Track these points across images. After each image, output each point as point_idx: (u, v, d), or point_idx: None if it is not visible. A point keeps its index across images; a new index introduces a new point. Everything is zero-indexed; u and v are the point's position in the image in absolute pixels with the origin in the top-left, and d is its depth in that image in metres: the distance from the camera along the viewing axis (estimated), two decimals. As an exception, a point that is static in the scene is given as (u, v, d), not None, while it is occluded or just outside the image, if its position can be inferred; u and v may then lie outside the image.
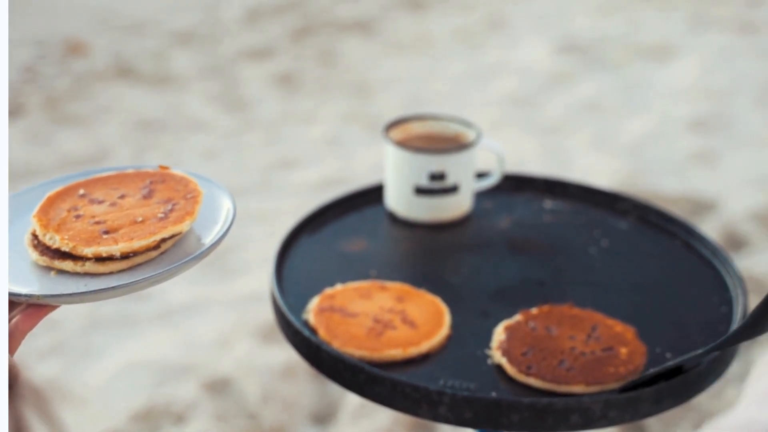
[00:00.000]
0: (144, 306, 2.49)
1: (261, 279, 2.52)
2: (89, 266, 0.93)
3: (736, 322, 1.16)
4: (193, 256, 0.93)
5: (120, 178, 1.03)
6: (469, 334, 1.14)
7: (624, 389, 1.04)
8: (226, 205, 1.00)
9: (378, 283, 1.20)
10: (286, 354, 2.21)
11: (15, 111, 3.62)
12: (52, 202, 0.99)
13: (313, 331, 1.12)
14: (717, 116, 3.50)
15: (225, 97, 3.73)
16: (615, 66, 3.95)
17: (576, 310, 1.16)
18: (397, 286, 1.20)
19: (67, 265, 0.93)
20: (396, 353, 1.09)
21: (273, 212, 2.91)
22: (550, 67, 3.93)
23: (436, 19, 4.50)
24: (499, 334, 1.12)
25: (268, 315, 2.16)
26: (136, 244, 0.93)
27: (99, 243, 0.93)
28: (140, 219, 0.96)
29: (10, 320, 0.90)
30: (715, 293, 1.23)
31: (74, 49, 4.18)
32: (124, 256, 0.92)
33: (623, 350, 1.10)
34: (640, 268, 1.29)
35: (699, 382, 1.08)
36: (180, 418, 2.12)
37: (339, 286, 1.19)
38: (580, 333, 1.12)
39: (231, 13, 4.57)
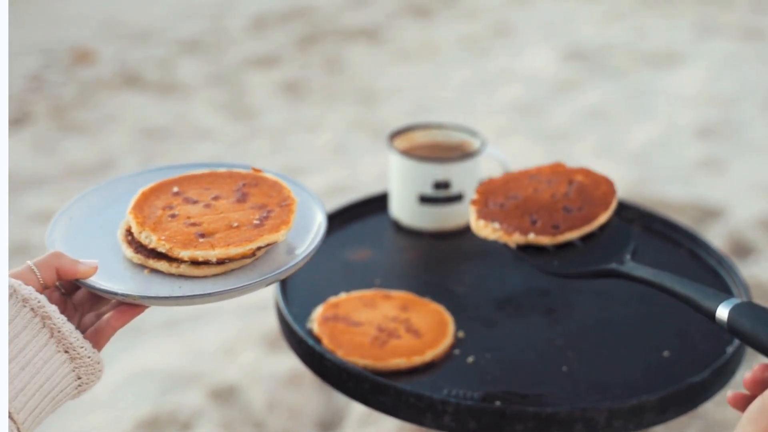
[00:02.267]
0: (150, 314, 2.48)
1: (267, 287, 2.51)
2: (184, 269, 0.93)
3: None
4: (286, 267, 0.93)
5: (212, 178, 1.03)
6: (473, 343, 1.14)
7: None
8: (318, 218, 1.00)
9: (382, 291, 1.20)
10: (292, 362, 2.21)
11: (21, 119, 3.63)
12: (146, 198, 0.99)
13: (317, 340, 1.13)
14: (723, 123, 3.50)
15: (231, 105, 3.74)
16: (621, 73, 3.94)
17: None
18: (401, 295, 1.20)
19: (162, 265, 0.93)
20: (400, 362, 1.09)
21: (279, 220, 2.91)
22: (555, 74, 3.93)
23: (441, 26, 4.50)
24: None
25: (273, 323, 2.16)
26: (233, 251, 0.93)
27: (195, 246, 0.93)
28: (236, 224, 0.95)
29: (101, 315, 0.91)
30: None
31: (81, 57, 4.19)
32: (220, 262, 0.93)
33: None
34: (645, 277, 1.29)
35: (704, 391, 1.08)
36: (186, 426, 2.12)
37: (343, 295, 1.20)
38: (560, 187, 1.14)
39: (237, 21, 4.58)
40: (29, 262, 0.87)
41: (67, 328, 0.84)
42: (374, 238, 1.36)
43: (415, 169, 1.34)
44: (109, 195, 1.03)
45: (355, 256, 1.32)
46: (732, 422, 2.09)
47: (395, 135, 1.40)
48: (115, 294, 0.89)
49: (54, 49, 4.28)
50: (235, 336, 2.40)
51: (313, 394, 2.17)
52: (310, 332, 1.14)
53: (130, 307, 0.90)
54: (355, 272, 1.28)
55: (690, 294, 0.99)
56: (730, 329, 0.91)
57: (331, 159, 3.32)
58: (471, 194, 1.38)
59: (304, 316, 1.17)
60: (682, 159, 3.26)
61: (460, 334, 1.15)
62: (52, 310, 0.84)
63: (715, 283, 1.27)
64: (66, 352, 0.85)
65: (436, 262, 1.33)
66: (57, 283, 0.90)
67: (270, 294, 1.24)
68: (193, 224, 0.96)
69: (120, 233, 0.98)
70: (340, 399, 2.14)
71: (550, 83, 3.85)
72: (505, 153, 1.45)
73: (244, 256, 0.94)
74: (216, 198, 0.99)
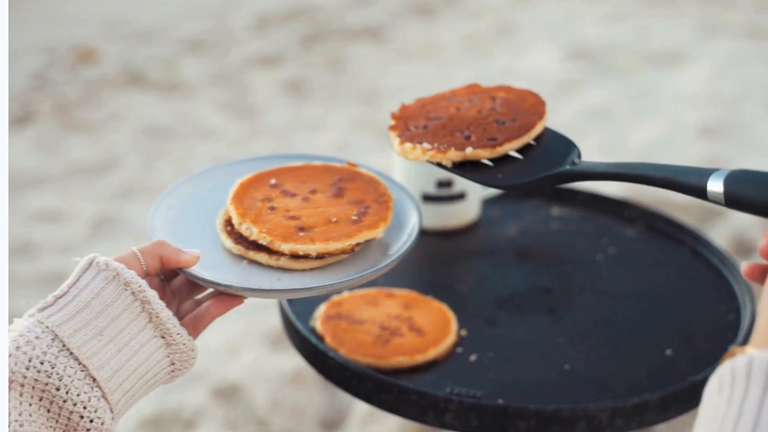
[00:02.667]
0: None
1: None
2: (284, 262, 0.94)
3: (744, 329, 1.16)
4: (383, 264, 0.94)
5: (309, 171, 1.04)
6: (476, 341, 1.15)
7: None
8: (413, 217, 1.01)
9: (385, 290, 1.21)
10: (295, 360, 2.21)
11: (25, 118, 3.63)
12: (245, 189, 1.00)
13: (320, 338, 1.13)
14: (726, 122, 3.49)
15: (234, 104, 3.74)
16: (624, 72, 3.94)
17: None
18: (404, 294, 1.20)
19: (262, 257, 0.94)
20: (403, 360, 1.09)
21: (282, 219, 2.91)
22: (559, 73, 3.93)
23: (445, 26, 4.50)
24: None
25: (276, 322, 2.17)
26: (333, 246, 0.94)
27: (296, 240, 0.94)
28: (334, 219, 0.97)
29: (202, 302, 0.93)
30: (722, 301, 1.23)
31: (84, 56, 4.20)
32: (319, 256, 0.94)
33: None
34: (648, 276, 1.29)
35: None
36: (189, 425, 2.12)
37: (346, 294, 1.20)
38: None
39: (240, 20, 4.58)
40: (134, 249, 0.89)
41: (165, 314, 0.86)
42: (377, 237, 1.36)
43: (417, 167, 1.34)
44: (207, 183, 1.04)
45: (357, 255, 1.32)
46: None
47: (398, 134, 1.40)
48: (218, 284, 0.91)
49: (58, 48, 4.28)
50: (239, 335, 2.40)
51: (316, 393, 2.17)
52: (313, 330, 1.15)
53: (230, 297, 0.92)
54: (358, 271, 1.28)
55: (670, 175, 0.87)
56: (730, 200, 0.81)
57: (335, 158, 3.32)
58: (474, 193, 1.38)
59: (307, 314, 1.17)
60: (686, 158, 3.25)
61: (463, 332, 1.16)
62: (152, 295, 0.86)
63: (717, 282, 1.27)
64: (162, 337, 0.87)
65: (439, 260, 1.33)
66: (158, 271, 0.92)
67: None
68: (293, 217, 0.97)
69: (219, 223, 0.99)
70: (344, 397, 2.14)
71: (553, 83, 3.85)
72: (508, 152, 1.45)
73: (342, 252, 0.95)
74: (313, 191, 1.01)
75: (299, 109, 3.71)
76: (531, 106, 1.02)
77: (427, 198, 1.35)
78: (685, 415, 1.09)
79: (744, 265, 0.79)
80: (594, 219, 1.42)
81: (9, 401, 0.78)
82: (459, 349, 1.13)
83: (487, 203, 1.43)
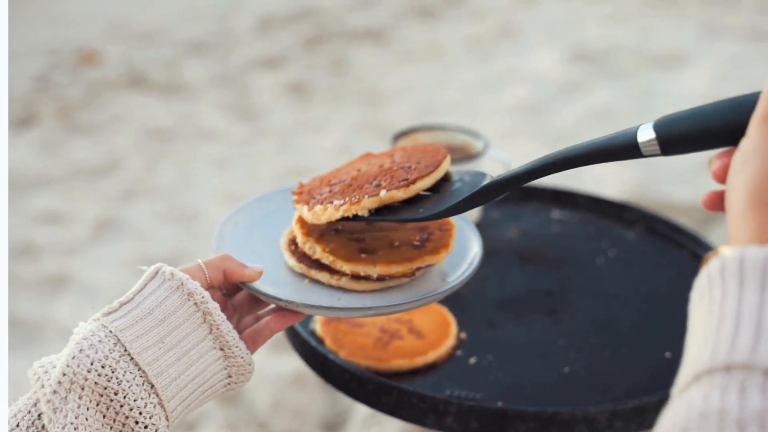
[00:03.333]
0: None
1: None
2: (345, 282, 0.95)
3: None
4: (442, 290, 0.95)
5: None
6: (476, 344, 1.15)
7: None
8: (474, 247, 1.02)
9: (385, 293, 1.21)
10: (296, 363, 2.22)
11: (28, 120, 3.64)
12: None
13: (320, 341, 1.13)
14: (728, 124, 3.49)
15: (237, 106, 3.74)
16: (626, 74, 3.94)
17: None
18: (404, 296, 1.20)
19: (323, 276, 0.96)
20: (402, 363, 1.09)
21: (284, 221, 2.92)
22: (561, 75, 3.93)
23: (447, 27, 4.50)
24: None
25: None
26: (394, 269, 0.95)
27: (358, 261, 0.95)
28: (397, 243, 0.98)
29: (262, 317, 0.95)
30: (722, 303, 1.23)
31: (87, 58, 4.20)
32: (380, 278, 0.95)
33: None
34: (648, 278, 1.29)
35: (706, 392, 1.08)
36: (191, 426, 2.12)
37: (346, 296, 1.20)
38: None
39: (243, 22, 4.58)
40: (200, 261, 0.90)
41: (226, 326, 0.88)
42: (377, 239, 1.37)
43: (418, 170, 1.34)
44: (273, 204, 1.06)
45: (358, 257, 1.32)
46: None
47: (399, 136, 1.40)
48: (279, 300, 0.92)
49: (60, 50, 4.29)
50: (240, 336, 2.40)
51: (318, 395, 2.17)
52: (313, 333, 1.15)
53: (290, 313, 0.94)
54: (359, 273, 1.28)
55: (598, 146, 0.84)
56: (665, 144, 0.77)
57: (337, 160, 3.33)
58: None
59: (307, 317, 1.18)
60: (688, 160, 3.26)
61: (463, 335, 1.16)
62: (214, 307, 0.87)
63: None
64: (221, 349, 0.88)
65: (439, 263, 1.33)
66: (220, 285, 0.94)
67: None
68: (356, 239, 0.98)
69: (283, 242, 1.01)
70: (345, 400, 2.15)
71: (555, 84, 3.85)
72: (511, 154, 1.45)
73: (403, 275, 0.96)
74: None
75: (301, 111, 3.71)
76: (432, 150, 1.01)
77: (428, 201, 1.35)
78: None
79: (702, 197, 0.75)
80: (594, 221, 1.42)
81: (67, 403, 0.80)
82: (459, 352, 1.13)
83: (488, 206, 1.43)
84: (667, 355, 1.13)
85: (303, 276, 0.97)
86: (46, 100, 3.81)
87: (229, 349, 0.88)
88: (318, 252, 0.96)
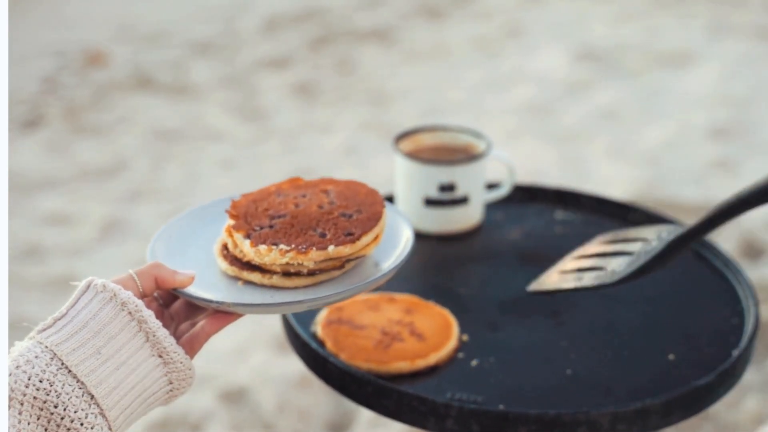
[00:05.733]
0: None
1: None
2: (276, 280, 0.97)
3: (748, 333, 1.15)
4: (372, 279, 0.97)
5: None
6: (477, 346, 1.14)
7: None
8: (405, 234, 1.04)
9: (387, 295, 1.20)
10: (302, 364, 2.21)
11: (35, 121, 3.65)
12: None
13: (321, 343, 1.13)
14: (736, 124, 3.48)
15: (243, 107, 3.74)
16: (633, 74, 3.93)
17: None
18: (405, 298, 1.20)
19: (255, 277, 0.98)
20: (403, 366, 1.09)
21: (290, 222, 2.92)
22: (567, 75, 3.92)
23: (453, 27, 4.50)
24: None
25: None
26: (323, 262, 0.97)
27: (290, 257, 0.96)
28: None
29: (196, 323, 0.96)
30: (726, 305, 1.22)
31: (94, 59, 4.21)
32: (310, 273, 0.97)
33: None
34: (652, 279, 1.28)
35: (709, 394, 1.07)
36: (196, 428, 2.12)
37: (347, 299, 1.20)
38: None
39: (249, 22, 4.59)
40: (130, 271, 0.91)
41: (162, 333, 0.88)
42: (380, 241, 1.36)
43: (420, 171, 1.34)
44: (205, 217, 1.08)
45: (360, 259, 1.32)
46: (743, 423, 2.08)
47: (401, 137, 1.40)
48: (210, 302, 0.94)
49: (67, 51, 4.30)
50: (246, 338, 2.40)
51: (323, 396, 2.17)
52: (314, 335, 1.15)
53: (224, 314, 0.95)
54: (360, 275, 1.28)
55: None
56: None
57: (343, 160, 3.32)
58: (477, 197, 1.38)
59: (308, 319, 1.17)
60: (695, 160, 3.24)
61: (464, 337, 1.15)
62: (149, 314, 0.88)
63: (721, 286, 1.27)
64: (160, 356, 0.89)
65: (441, 264, 1.33)
66: (155, 294, 0.95)
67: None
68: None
69: (216, 248, 1.03)
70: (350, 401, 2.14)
71: (562, 84, 3.84)
72: (517, 154, 1.45)
73: (333, 268, 0.98)
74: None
75: (308, 112, 3.71)
76: (366, 195, 1.05)
77: (430, 202, 1.35)
78: (687, 421, 1.09)
79: None
80: (598, 222, 1.42)
81: (9, 419, 0.80)
82: (460, 354, 1.13)
83: (491, 207, 1.43)
84: (670, 357, 1.13)
85: (236, 278, 0.99)
86: (53, 102, 3.82)
87: (167, 355, 0.88)
88: (246, 246, 0.97)
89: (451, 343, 1.12)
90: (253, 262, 0.97)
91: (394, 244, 1.03)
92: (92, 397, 0.83)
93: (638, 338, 1.16)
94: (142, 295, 0.91)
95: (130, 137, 3.52)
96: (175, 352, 0.89)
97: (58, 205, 3.05)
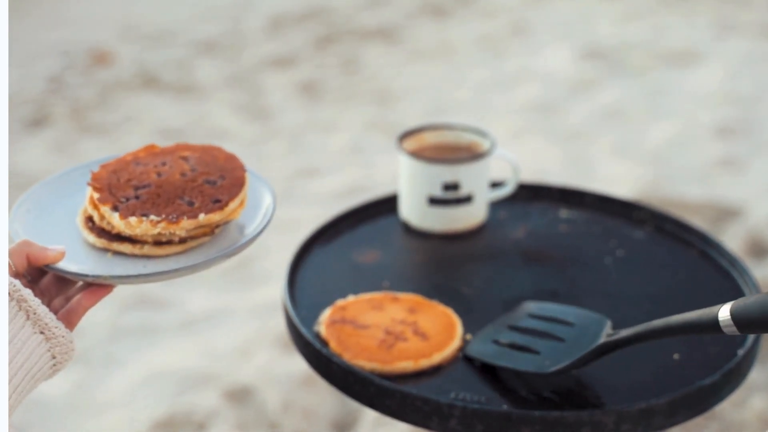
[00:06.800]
0: (166, 315, 2.50)
1: (282, 288, 2.52)
2: (148, 249, 0.98)
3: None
4: (241, 243, 0.98)
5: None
6: (481, 345, 1.14)
7: None
8: (267, 200, 1.05)
9: (390, 294, 1.20)
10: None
11: (41, 121, 3.65)
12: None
13: (325, 343, 1.12)
14: (742, 122, 3.47)
15: (248, 106, 3.74)
16: (638, 72, 3.92)
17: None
18: (409, 298, 1.19)
19: (126, 247, 0.98)
20: (407, 365, 1.08)
21: (295, 221, 2.91)
22: (573, 73, 3.92)
23: (458, 26, 4.49)
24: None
25: (287, 324, 2.17)
26: (194, 230, 0.98)
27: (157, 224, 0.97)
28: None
29: (71, 297, 0.96)
30: (731, 304, 1.22)
31: (99, 59, 4.21)
32: (181, 240, 0.98)
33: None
34: (657, 279, 1.28)
35: (714, 394, 1.07)
36: (201, 427, 2.12)
37: (351, 298, 1.19)
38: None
39: (254, 22, 4.59)
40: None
41: (42, 309, 0.90)
42: (383, 240, 1.36)
43: (424, 170, 1.33)
44: (62, 186, 1.08)
45: (363, 258, 1.32)
46: (749, 422, 2.08)
47: (405, 136, 1.40)
48: (86, 276, 0.94)
49: (73, 51, 4.30)
50: (250, 337, 2.40)
51: (328, 396, 2.17)
52: (317, 335, 1.14)
53: (100, 287, 0.96)
54: (364, 274, 1.28)
55: (687, 321, 0.98)
56: (740, 325, 0.91)
57: (348, 159, 3.32)
58: (481, 196, 1.37)
59: (312, 318, 1.17)
60: (700, 158, 3.24)
61: (468, 336, 1.15)
62: (27, 293, 0.89)
63: (726, 285, 1.26)
64: (42, 332, 0.90)
65: (445, 263, 1.33)
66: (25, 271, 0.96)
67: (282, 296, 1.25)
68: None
69: (80, 220, 1.02)
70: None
71: (567, 82, 3.84)
72: (522, 153, 1.44)
73: (204, 234, 0.99)
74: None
75: (313, 110, 3.71)
76: (226, 160, 1.06)
77: (434, 201, 1.35)
78: (692, 421, 1.09)
79: None
80: (602, 221, 1.41)
81: None
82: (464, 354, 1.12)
83: (495, 206, 1.42)
84: (675, 356, 1.12)
85: (105, 250, 0.99)
86: (59, 101, 3.82)
87: (49, 330, 0.90)
88: (116, 219, 0.97)
89: (455, 343, 1.12)
90: (123, 234, 0.97)
91: (257, 209, 1.04)
92: None
93: (643, 337, 1.15)
94: (17, 275, 0.92)
95: (136, 136, 3.52)
96: (56, 327, 0.90)
97: (64, 205, 3.05)
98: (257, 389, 2.21)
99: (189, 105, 3.77)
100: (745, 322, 0.90)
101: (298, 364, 2.25)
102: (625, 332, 1.02)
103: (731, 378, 1.08)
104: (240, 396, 2.20)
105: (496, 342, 1.11)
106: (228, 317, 2.49)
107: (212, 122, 3.63)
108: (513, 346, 1.09)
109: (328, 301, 1.19)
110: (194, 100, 3.81)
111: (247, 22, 4.59)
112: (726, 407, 2.09)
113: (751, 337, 1.13)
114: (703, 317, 0.95)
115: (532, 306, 1.16)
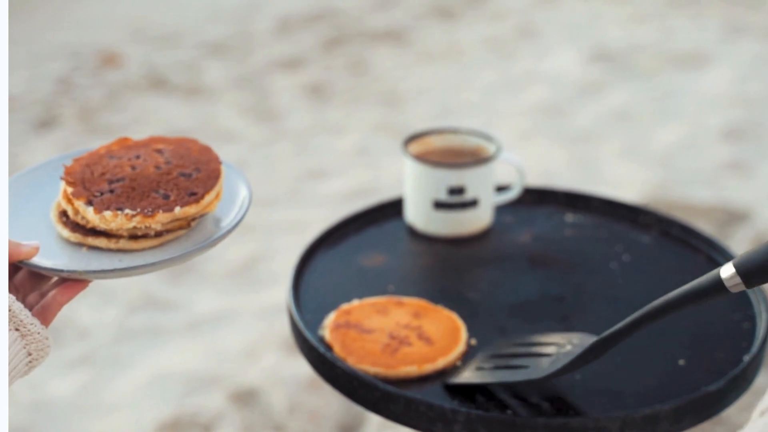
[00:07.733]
0: (172, 317, 2.50)
1: (286, 291, 2.52)
2: (123, 243, 0.96)
3: (759, 338, 1.14)
4: (217, 236, 0.98)
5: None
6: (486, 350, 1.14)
7: None
8: (242, 192, 1.04)
9: (395, 298, 1.20)
10: (312, 365, 2.21)
11: (49, 122, 3.66)
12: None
13: (329, 347, 1.12)
14: (750, 125, 3.46)
15: (256, 108, 3.75)
16: (646, 75, 3.91)
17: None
18: (414, 302, 1.19)
19: (101, 242, 0.97)
20: (411, 370, 1.08)
21: (301, 223, 2.92)
22: (581, 76, 3.91)
23: (466, 28, 4.49)
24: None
25: (293, 327, 2.17)
26: (169, 223, 0.97)
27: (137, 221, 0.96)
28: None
29: (46, 293, 0.95)
30: (737, 309, 1.21)
31: (108, 60, 4.22)
32: (157, 234, 0.97)
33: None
34: (662, 284, 1.27)
35: (720, 399, 1.06)
36: (207, 429, 2.12)
37: (356, 302, 1.19)
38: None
39: (262, 24, 4.59)
40: None
41: (17, 306, 0.89)
42: (389, 244, 1.36)
43: (429, 174, 1.33)
44: (34, 181, 1.06)
45: (369, 262, 1.32)
46: (756, 428, 2.07)
47: (410, 140, 1.39)
48: (61, 271, 0.93)
49: (82, 52, 4.31)
50: (257, 339, 2.40)
51: (334, 398, 2.17)
52: (321, 339, 1.14)
53: (75, 282, 0.94)
54: (369, 278, 1.27)
55: (686, 292, 0.95)
56: (747, 278, 0.89)
57: (355, 161, 3.32)
58: (487, 200, 1.37)
59: (316, 322, 1.17)
60: (709, 161, 3.23)
61: (473, 341, 1.15)
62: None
63: (733, 290, 1.26)
64: (17, 329, 0.89)
65: (451, 268, 1.32)
66: None
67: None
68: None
69: (53, 215, 1.01)
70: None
71: (575, 85, 3.83)
72: (529, 155, 1.44)
73: (180, 228, 0.98)
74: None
75: (320, 112, 3.71)
76: (200, 153, 1.04)
77: (439, 205, 1.34)
78: (698, 426, 1.08)
79: None
80: (608, 225, 1.41)
81: None
82: (469, 359, 1.12)
83: (500, 210, 1.42)
84: (681, 362, 1.12)
85: (80, 245, 0.98)
86: (68, 102, 3.83)
87: (24, 327, 0.89)
88: (90, 213, 0.96)
89: (460, 348, 1.12)
90: (98, 228, 0.96)
91: (233, 202, 1.03)
92: None
93: (648, 343, 1.15)
94: None
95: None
96: (32, 324, 0.89)
97: (71, 206, 3.06)
98: (263, 391, 2.21)
99: (197, 106, 3.78)
100: (751, 272, 0.88)
101: (304, 367, 2.24)
102: (621, 323, 0.99)
103: (737, 384, 1.08)
104: (246, 398, 2.20)
105: (480, 369, 1.08)
106: (234, 319, 2.49)
107: (220, 124, 3.64)
108: (496, 368, 1.07)
109: (333, 305, 1.19)
110: (202, 102, 3.82)
111: (255, 24, 4.60)
112: (732, 412, 2.08)
113: (757, 343, 1.13)
114: (704, 282, 0.93)
115: (514, 339, 1.13)
